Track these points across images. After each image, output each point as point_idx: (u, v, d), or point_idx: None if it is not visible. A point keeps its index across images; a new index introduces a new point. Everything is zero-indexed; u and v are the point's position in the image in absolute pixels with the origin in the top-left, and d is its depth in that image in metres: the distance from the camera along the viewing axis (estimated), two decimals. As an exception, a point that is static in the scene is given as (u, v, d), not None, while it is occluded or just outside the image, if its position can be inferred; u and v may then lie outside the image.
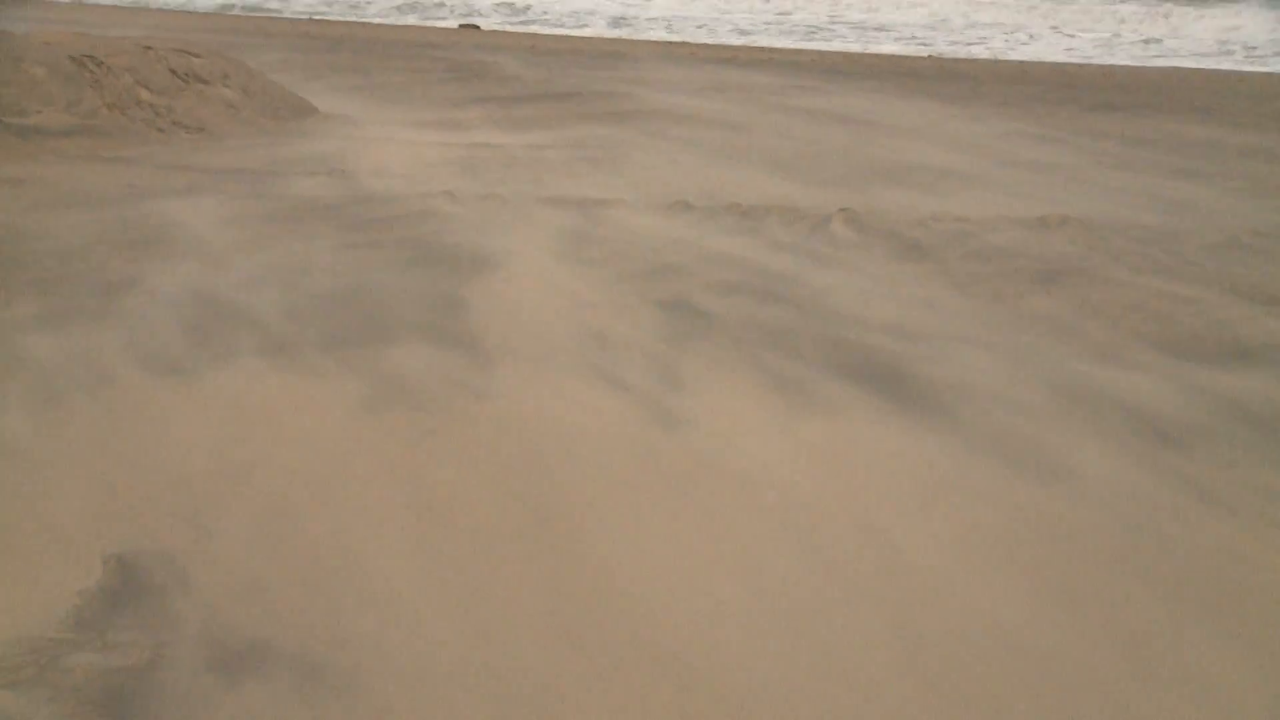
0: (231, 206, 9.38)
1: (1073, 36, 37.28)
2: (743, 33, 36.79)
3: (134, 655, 3.42)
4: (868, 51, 32.33)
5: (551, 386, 5.70)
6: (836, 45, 34.96)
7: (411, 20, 37.26)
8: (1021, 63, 30.02)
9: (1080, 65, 31.59)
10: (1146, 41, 35.89)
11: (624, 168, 12.43)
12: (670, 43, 32.85)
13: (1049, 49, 34.24)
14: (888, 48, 33.71)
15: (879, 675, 3.53)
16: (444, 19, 37.55)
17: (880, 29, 38.60)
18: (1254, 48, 33.88)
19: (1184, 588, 4.08)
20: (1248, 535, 4.46)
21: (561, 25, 37.41)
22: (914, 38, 36.40)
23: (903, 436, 5.28)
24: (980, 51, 33.82)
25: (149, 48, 13.58)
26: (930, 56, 31.37)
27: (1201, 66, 29.98)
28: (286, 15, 35.85)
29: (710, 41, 33.58)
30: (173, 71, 13.52)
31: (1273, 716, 3.44)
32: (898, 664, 3.59)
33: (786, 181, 11.88)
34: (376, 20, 36.62)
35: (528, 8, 40.97)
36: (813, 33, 37.64)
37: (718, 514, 4.50)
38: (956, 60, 30.36)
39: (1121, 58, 32.75)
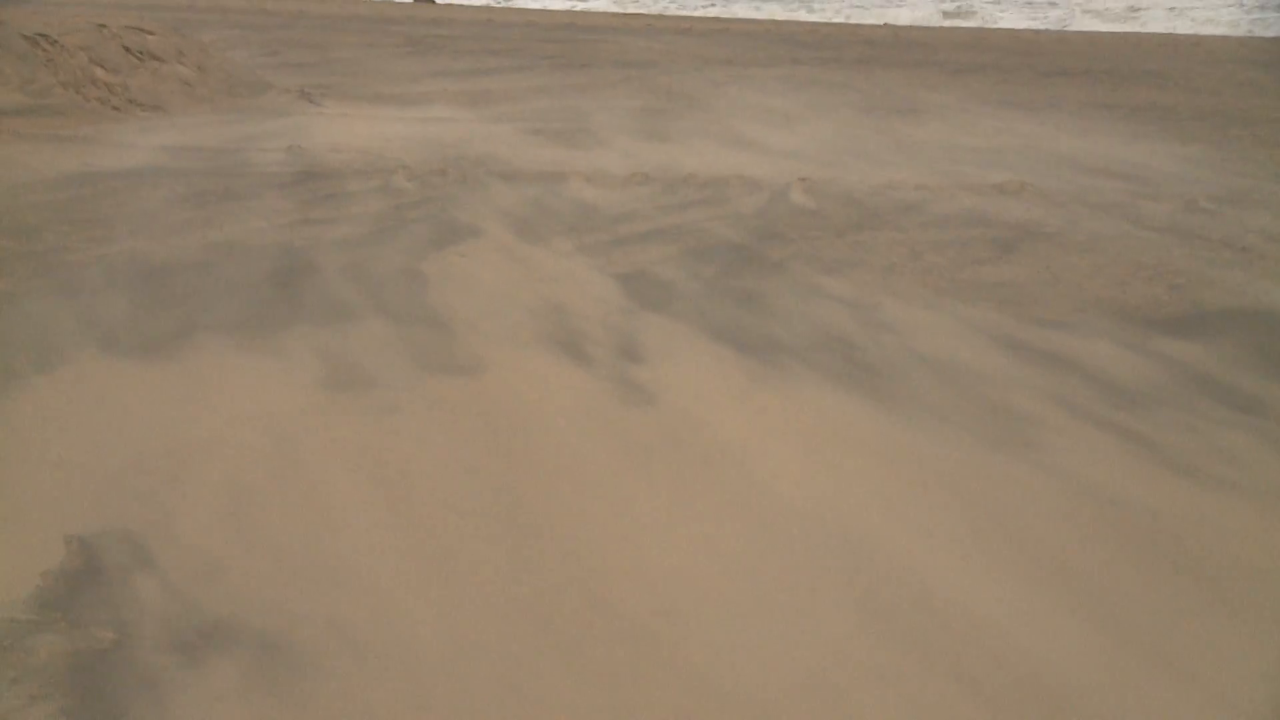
0: (188, 184, 9.32)
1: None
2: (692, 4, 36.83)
3: (97, 635, 3.41)
4: (824, 21, 32.35)
5: (513, 361, 5.70)
6: (801, 15, 34.98)
7: (367, -6, 37.15)
8: (976, 30, 30.10)
9: (1036, 32, 31.70)
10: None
11: (582, 141, 12.41)
12: (626, 14, 32.79)
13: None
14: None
15: (843, 642, 3.56)
16: (400, -7, 37.45)
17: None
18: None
19: (1154, 555, 4.10)
20: (1213, 500, 4.50)
21: (518, -2, 37.35)
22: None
23: (864, 407, 5.30)
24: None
25: (103, 25, 13.47)
26: (885, 25, 31.44)
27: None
28: (240, -9, 35.64)
29: (663, 12, 33.56)
30: (127, 49, 13.41)
31: (1235, 676, 3.48)
32: (862, 633, 3.61)
33: (744, 152, 11.90)
34: (332, -5, 36.48)
35: (484, -20, 40.82)
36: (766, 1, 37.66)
37: (682, 489, 4.50)
38: (910, 28, 30.43)
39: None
